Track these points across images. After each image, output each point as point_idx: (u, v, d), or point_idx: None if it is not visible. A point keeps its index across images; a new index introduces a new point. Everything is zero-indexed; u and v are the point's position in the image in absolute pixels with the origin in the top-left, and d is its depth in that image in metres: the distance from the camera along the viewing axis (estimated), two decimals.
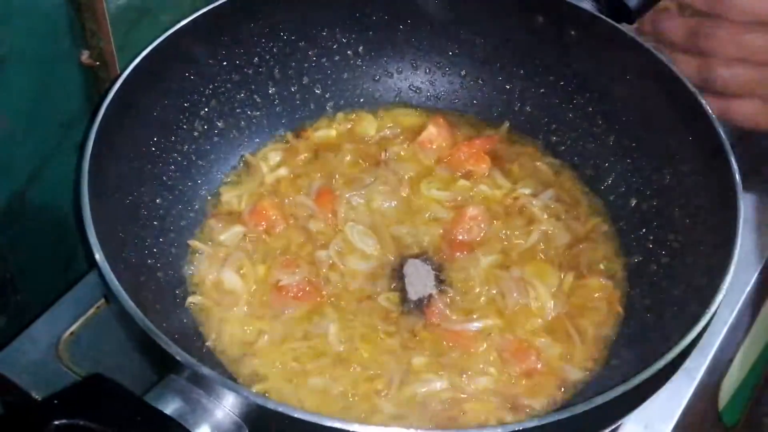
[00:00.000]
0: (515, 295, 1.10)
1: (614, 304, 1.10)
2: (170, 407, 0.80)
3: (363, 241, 1.15)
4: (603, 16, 1.19)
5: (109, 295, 0.89)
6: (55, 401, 0.76)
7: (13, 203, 1.12)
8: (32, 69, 1.05)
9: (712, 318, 0.90)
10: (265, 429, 0.82)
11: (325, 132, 1.30)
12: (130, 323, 0.85)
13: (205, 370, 0.80)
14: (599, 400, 0.81)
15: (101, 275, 0.88)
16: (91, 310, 1.14)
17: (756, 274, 1.22)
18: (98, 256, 0.89)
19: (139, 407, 0.78)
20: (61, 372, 1.08)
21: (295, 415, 0.77)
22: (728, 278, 0.92)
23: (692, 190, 1.10)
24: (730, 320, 1.17)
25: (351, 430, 0.77)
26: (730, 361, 1.21)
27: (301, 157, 1.26)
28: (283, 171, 1.24)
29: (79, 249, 1.22)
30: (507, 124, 1.30)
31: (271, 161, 1.25)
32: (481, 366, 1.03)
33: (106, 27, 1.08)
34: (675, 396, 1.09)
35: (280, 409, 0.78)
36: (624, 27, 1.18)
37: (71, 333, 1.12)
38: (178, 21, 1.12)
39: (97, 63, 1.12)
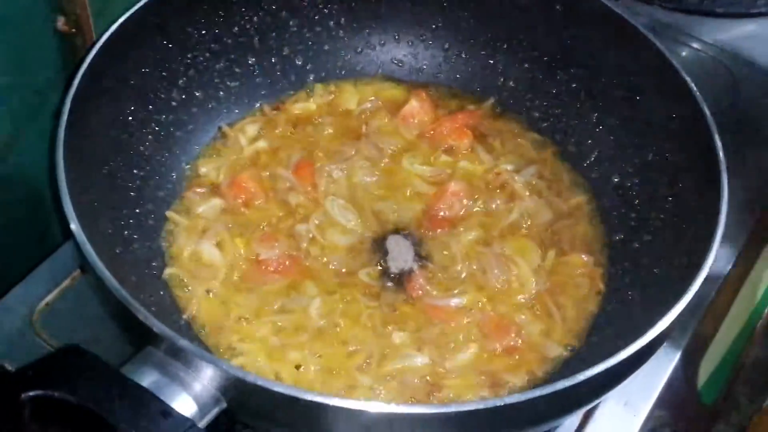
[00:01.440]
0: (496, 271, 1.09)
1: (596, 282, 1.10)
2: (147, 380, 0.78)
3: (343, 215, 1.14)
4: None
5: (85, 266, 0.88)
6: (29, 372, 0.75)
7: None
8: (6, 34, 1.02)
9: (693, 297, 0.90)
10: (243, 403, 0.81)
11: (304, 104, 1.28)
12: (107, 294, 0.83)
13: (184, 343, 0.79)
14: (581, 377, 0.80)
15: (77, 245, 0.87)
16: (66, 281, 1.13)
17: (736, 253, 1.22)
18: (74, 225, 0.87)
19: (115, 380, 0.77)
20: (35, 343, 1.06)
21: (275, 389, 0.77)
22: (711, 257, 0.91)
23: (675, 168, 1.09)
24: (710, 298, 1.17)
25: (330, 404, 0.77)
26: (710, 339, 1.21)
27: (279, 129, 1.24)
28: (261, 143, 1.22)
29: (54, 219, 1.20)
30: (491, 100, 1.29)
31: (249, 133, 1.23)
32: (462, 342, 1.03)
33: None
34: (654, 373, 1.09)
35: (260, 382, 0.77)
36: (610, 3, 1.17)
37: (46, 304, 1.10)
38: None
39: (73, 30, 1.09)
